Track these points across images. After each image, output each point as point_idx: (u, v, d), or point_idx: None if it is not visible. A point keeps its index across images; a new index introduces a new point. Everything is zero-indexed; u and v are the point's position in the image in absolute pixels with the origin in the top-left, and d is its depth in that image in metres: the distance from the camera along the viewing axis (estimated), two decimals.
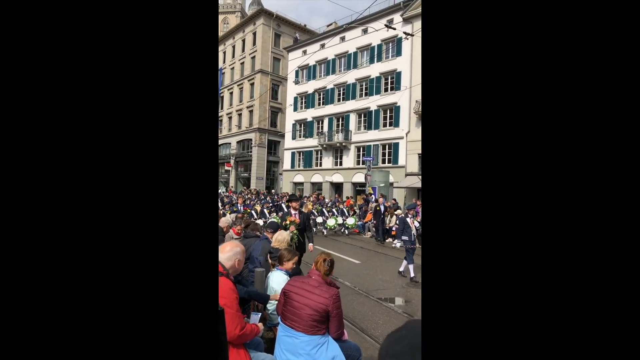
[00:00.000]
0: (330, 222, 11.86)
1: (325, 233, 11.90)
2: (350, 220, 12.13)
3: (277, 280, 2.78)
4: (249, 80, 28.49)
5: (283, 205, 12.14)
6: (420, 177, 17.06)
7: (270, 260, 3.08)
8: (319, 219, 12.37)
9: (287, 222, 4.82)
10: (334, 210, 12.85)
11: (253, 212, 11.72)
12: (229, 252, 2.09)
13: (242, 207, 11.54)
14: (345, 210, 12.99)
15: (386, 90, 19.62)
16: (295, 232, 4.56)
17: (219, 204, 13.25)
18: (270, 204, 13.50)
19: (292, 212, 5.10)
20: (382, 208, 11.06)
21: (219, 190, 21.24)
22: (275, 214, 11.63)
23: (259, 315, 2.40)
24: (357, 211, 13.13)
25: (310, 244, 5.09)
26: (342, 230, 12.26)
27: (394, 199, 13.63)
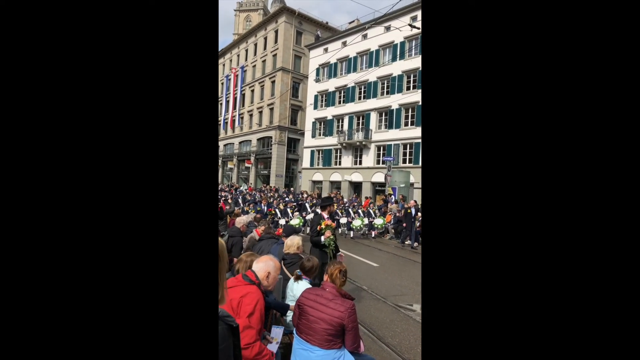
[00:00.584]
0: (356, 222, 11.14)
1: (351, 235, 11.31)
2: (379, 221, 11.34)
3: (301, 289, 2.74)
4: (270, 78, 28.69)
5: (307, 205, 11.88)
6: None
7: (284, 267, 3.04)
8: (343, 220, 11.68)
9: (323, 226, 4.20)
10: (360, 211, 12.15)
11: (277, 210, 11.29)
12: (261, 263, 2.16)
13: (266, 208, 10.91)
14: (371, 211, 12.29)
15: (408, 88, 19.26)
16: (332, 237, 4.17)
17: (240, 201, 13.04)
18: (294, 203, 13.09)
19: (325, 215, 4.43)
20: (414, 211, 10.24)
21: (241, 188, 21.43)
22: (298, 213, 11.40)
23: (282, 330, 2.35)
24: (377, 212, 12.67)
25: (340, 253, 4.49)
26: (368, 232, 11.61)
27: (415, 201, 13.36)
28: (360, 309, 4.03)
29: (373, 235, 11.50)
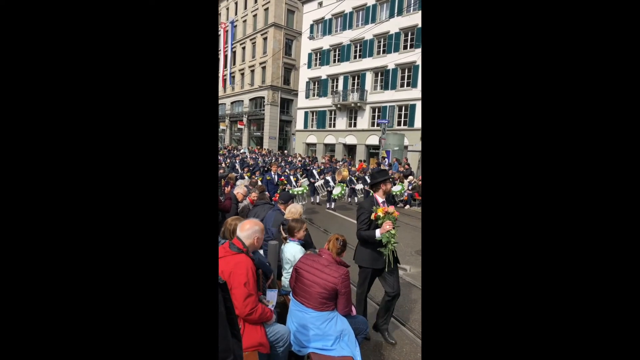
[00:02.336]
0: None
1: None
2: (397, 188, 10.35)
3: (291, 251, 2.86)
4: (261, 35, 27.39)
5: (315, 172, 10.84)
6: None
7: (283, 232, 3.15)
8: (359, 186, 10.61)
9: (379, 215, 2.73)
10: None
11: (291, 179, 9.60)
12: (248, 230, 2.10)
13: (276, 177, 8.76)
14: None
15: (405, 48, 18.62)
16: (392, 231, 2.72)
17: (237, 166, 11.92)
18: (301, 170, 12.02)
19: (379, 199, 2.89)
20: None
21: (242, 150, 20.80)
22: (306, 179, 10.59)
23: (276, 292, 2.49)
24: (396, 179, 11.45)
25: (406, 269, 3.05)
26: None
27: (408, 164, 13.48)
28: (353, 271, 4.20)
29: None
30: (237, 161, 13.36)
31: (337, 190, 9.58)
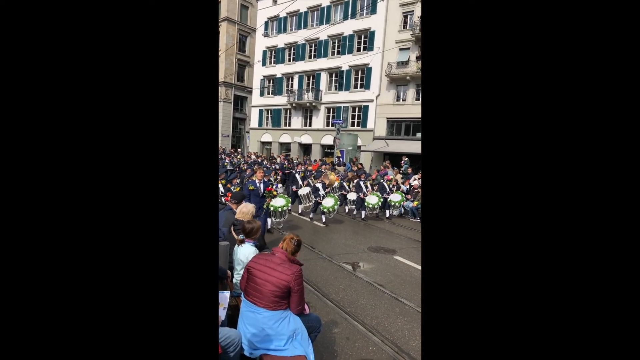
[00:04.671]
0: (372, 199, 8.36)
1: (362, 215, 8.77)
2: (396, 197, 8.93)
3: (245, 252, 2.76)
4: None
5: (297, 176, 9.28)
6: (387, 141, 17.31)
7: (234, 234, 3.04)
8: (352, 196, 8.80)
9: None
10: (368, 183, 9.23)
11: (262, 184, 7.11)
12: None
13: (262, 186, 6.08)
14: (385, 185, 9.38)
15: (359, 50, 19.06)
16: None
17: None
18: (281, 173, 10.37)
19: None
20: (405, 189, 9.46)
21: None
22: (282, 185, 9.01)
23: (228, 294, 2.39)
24: (393, 186, 9.90)
25: None
26: (381, 212, 9.08)
27: (360, 163, 13.81)
28: (307, 269, 4.22)
29: (387, 215, 9.04)
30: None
31: (329, 203, 7.62)
